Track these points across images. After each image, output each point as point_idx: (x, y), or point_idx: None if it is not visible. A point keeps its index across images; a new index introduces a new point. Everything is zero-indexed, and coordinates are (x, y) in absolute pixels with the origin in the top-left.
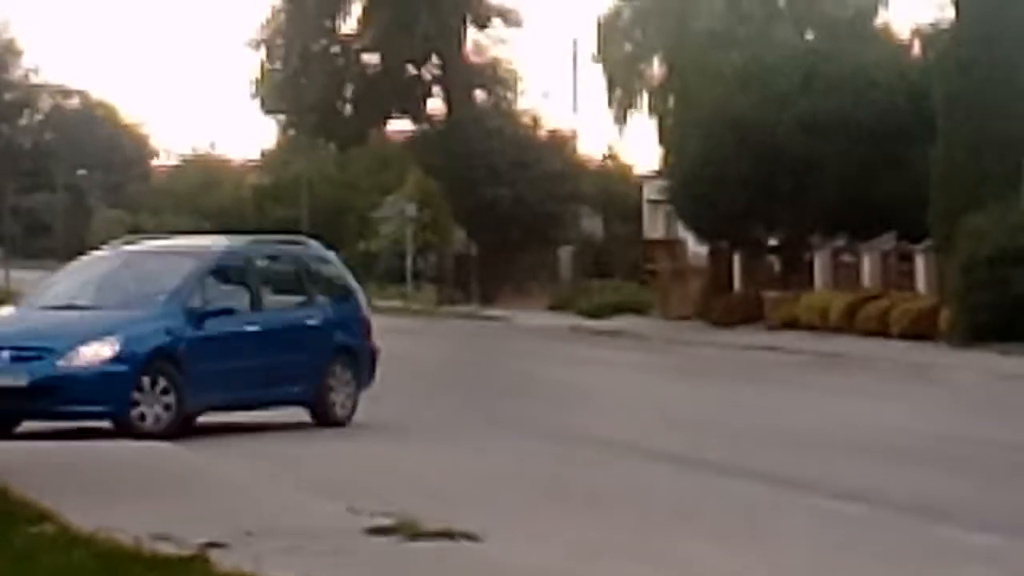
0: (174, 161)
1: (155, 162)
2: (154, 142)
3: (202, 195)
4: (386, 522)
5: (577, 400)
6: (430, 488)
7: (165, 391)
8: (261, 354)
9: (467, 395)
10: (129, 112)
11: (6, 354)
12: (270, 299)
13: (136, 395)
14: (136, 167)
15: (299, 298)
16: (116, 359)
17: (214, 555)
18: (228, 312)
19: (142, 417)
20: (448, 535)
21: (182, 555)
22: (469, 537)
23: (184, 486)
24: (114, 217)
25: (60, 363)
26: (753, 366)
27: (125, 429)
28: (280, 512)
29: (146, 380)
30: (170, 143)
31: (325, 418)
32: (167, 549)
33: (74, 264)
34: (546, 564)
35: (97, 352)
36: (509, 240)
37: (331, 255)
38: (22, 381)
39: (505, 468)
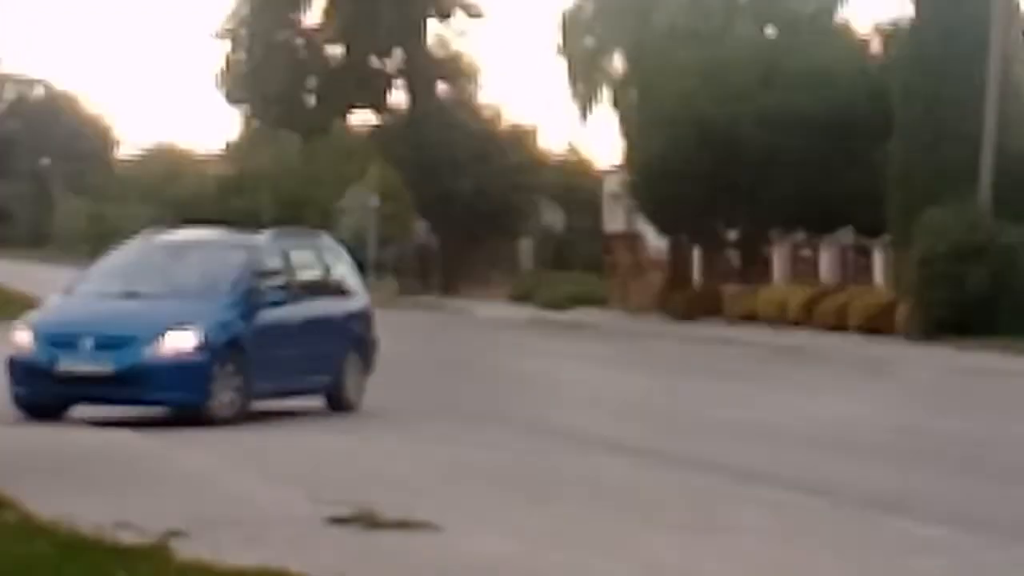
0: (137, 151)
1: (118, 152)
2: (117, 132)
3: (166, 185)
4: (346, 512)
5: (537, 391)
6: (390, 478)
7: (236, 380)
8: (301, 344)
9: (427, 386)
10: (93, 102)
11: (89, 341)
12: (302, 292)
13: (213, 383)
14: (99, 157)
15: (323, 290)
16: (197, 348)
17: (174, 543)
18: (277, 303)
19: (217, 405)
20: (407, 525)
21: (143, 544)
22: (428, 527)
23: (145, 475)
24: (77, 206)
25: (146, 351)
26: (712, 359)
27: (201, 417)
28: (240, 501)
29: (221, 369)
30: (134, 134)
31: (340, 405)
32: (128, 537)
33: (116, 253)
34: (504, 554)
35: (180, 341)
36: (470, 232)
37: (341, 248)
38: (108, 368)
39: (465, 458)
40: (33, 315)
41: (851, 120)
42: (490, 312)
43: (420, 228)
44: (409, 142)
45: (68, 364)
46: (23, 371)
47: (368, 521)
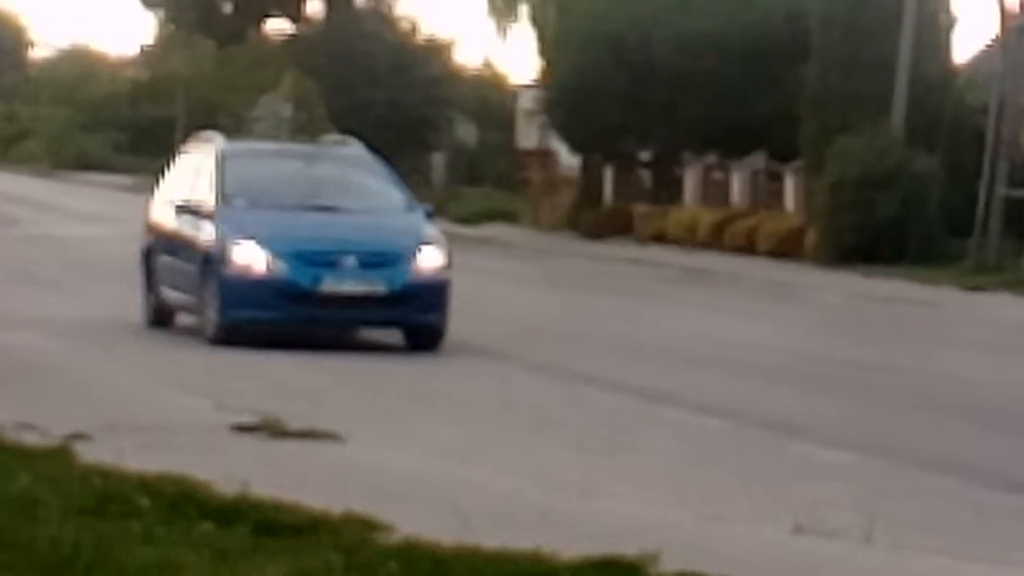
0: (51, 52)
1: (32, 53)
2: (32, 33)
3: (78, 87)
4: (251, 420)
5: None
6: (295, 390)
7: None
8: None
9: None
10: (7, 2)
11: (352, 259)
12: None
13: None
14: (12, 57)
15: None
16: (445, 265)
17: (77, 447)
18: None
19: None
20: (312, 435)
21: (46, 445)
22: (333, 437)
23: (50, 379)
24: None
25: (411, 269)
26: (620, 278)
27: (438, 338)
28: (145, 407)
29: None
30: (48, 35)
31: None
32: (31, 439)
33: (231, 163)
34: (407, 466)
35: (434, 259)
36: (383, 144)
37: None
38: (380, 288)
39: (371, 372)
40: (242, 229)
41: (767, 44)
42: None
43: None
44: (324, 52)
45: (334, 284)
46: (268, 292)
47: (273, 430)
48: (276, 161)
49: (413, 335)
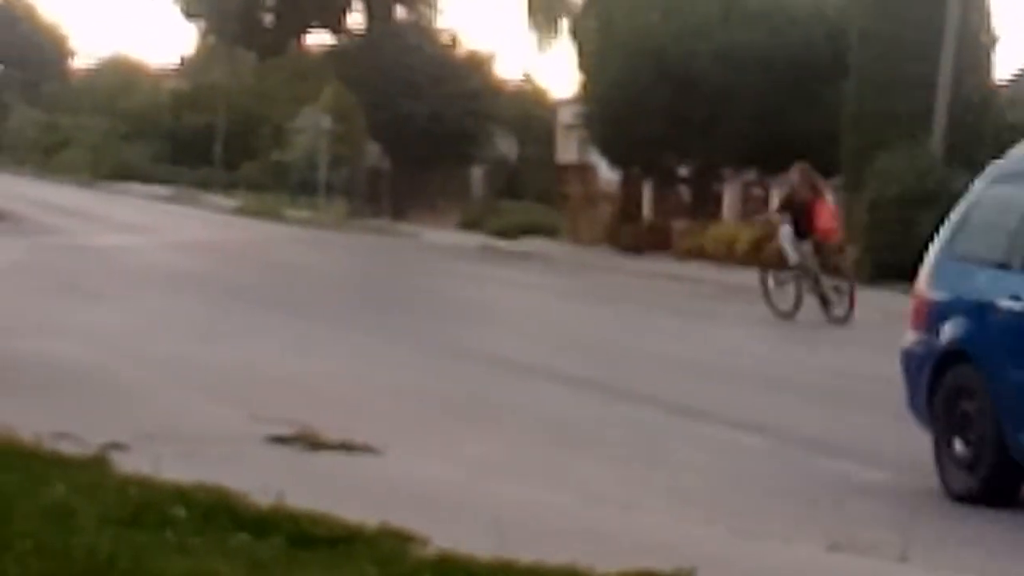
0: (92, 63)
1: (73, 63)
2: (73, 42)
3: (119, 98)
4: (287, 431)
5: (484, 319)
6: (333, 401)
7: None
8: None
9: (372, 310)
10: (49, 11)
11: None
12: None
13: None
14: (54, 67)
15: None
16: None
17: (114, 456)
18: None
19: None
20: (348, 447)
21: (82, 455)
22: (369, 450)
23: (87, 387)
24: (31, 116)
25: None
26: (659, 294)
27: None
28: (181, 417)
29: None
30: (89, 45)
31: None
32: (67, 448)
33: None
34: (444, 479)
35: None
36: (423, 157)
37: None
38: None
39: (408, 384)
40: None
41: (808, 60)
42: (440, 238)
43: (372, 151)
44: (365, 64)
45: None
46: None
47: (309, 441)
48: None
49: None
